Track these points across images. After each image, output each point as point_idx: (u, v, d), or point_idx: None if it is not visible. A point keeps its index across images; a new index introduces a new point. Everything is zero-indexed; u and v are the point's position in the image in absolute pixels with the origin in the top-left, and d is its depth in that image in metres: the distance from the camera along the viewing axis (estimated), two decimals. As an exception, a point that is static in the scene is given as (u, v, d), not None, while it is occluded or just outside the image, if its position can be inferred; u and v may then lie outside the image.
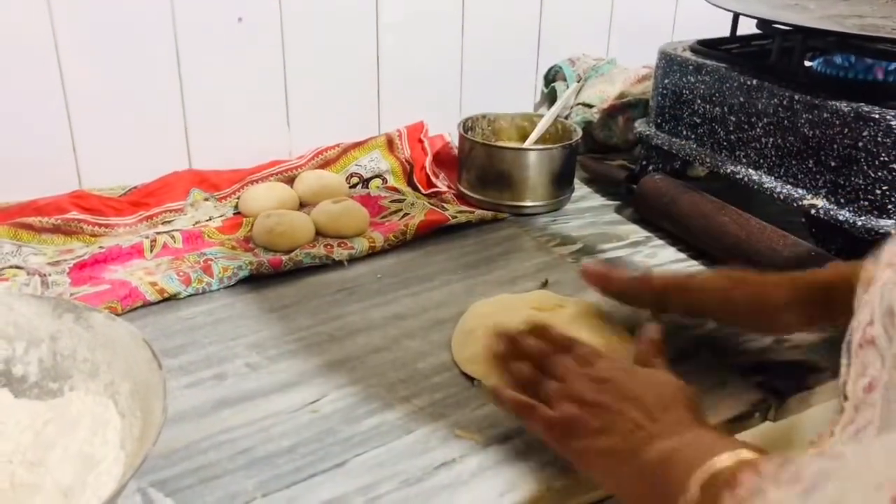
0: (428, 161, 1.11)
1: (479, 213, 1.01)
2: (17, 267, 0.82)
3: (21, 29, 0.87)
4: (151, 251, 0.87)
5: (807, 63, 0.96)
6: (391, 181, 1.10)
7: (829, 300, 0.64)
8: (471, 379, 0.69)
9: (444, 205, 1.03)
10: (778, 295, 0.66)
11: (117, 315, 0.74)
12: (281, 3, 1.00)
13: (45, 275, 0.81)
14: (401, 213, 1.00)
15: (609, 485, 0.55)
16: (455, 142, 1.11)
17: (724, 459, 0.46)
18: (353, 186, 1.08)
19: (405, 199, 1.03)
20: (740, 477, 0.41)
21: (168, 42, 0.95)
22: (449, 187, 1.08)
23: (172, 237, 0.89)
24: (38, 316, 0.60)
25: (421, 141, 1.13)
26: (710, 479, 0.45)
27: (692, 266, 0.90)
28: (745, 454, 0.46)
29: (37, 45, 0.88)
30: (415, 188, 1.08)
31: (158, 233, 0.90)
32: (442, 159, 1.13)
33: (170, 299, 0.79)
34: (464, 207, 1.03)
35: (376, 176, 1.09)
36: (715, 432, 0.52)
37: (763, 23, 0.95)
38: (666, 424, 0.53)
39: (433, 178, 1.09)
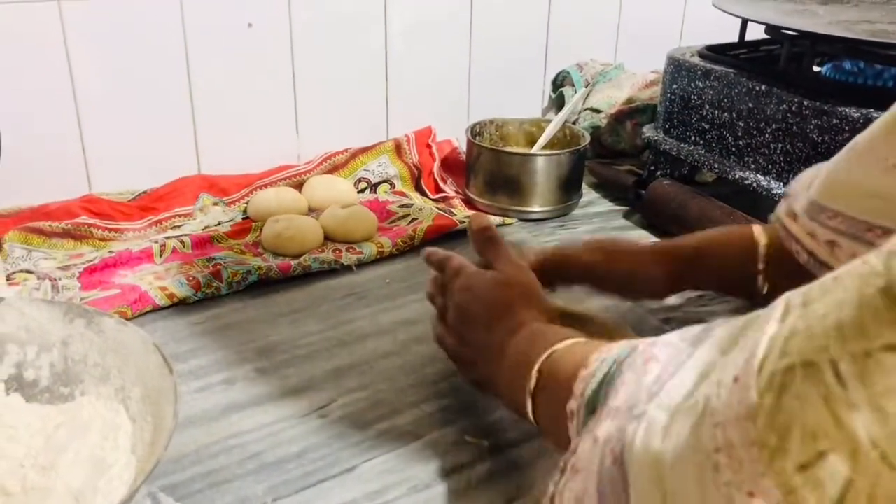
0: (436, 166, 1.11)
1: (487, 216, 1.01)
2: (28, 271, 0.83)
3: (33, 35, 0.87)
4: (161, 256, 0.87)
5: (816, 68, 0.96)
6: (399, 186, 1.10)
7: (694, 266, 0.69)
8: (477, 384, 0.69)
9: (452, 210, 1.03)
10: (646, 264, 0.70)
11: (127, 319, 0.74)
12: (290, 8, 1.01)
13: (55, 279, 0.81)
14: (409, 218, 1.00)
15: (506, 406, 0.58)
16: (463, 147, 1.11)
17: (558, 347, 0.49)
18: (362, 191, 1.08)
19: (413, 204, 1.03)
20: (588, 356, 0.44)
21: (178, 47, 0.96)
22: (457, 192, 1.08)
23: (182, 242, 0.90)
24: (49, 321, 0.61)
25: (429, 146, 1.14)
26: (542, 365, 0.49)
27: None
28: (580, 339, 0.50)
29: (48, 51, 0.89)
30: (423, 193, 1.09)
31: (168, 237, 0.91)
32: (450, 164, 1.14)
33: (179, 304, 0.80)
34: (472, 212, 1.03)
35: (384, 181, 1.10)
36: (544, 324, 0.55)
37: (772, 28, 0.94)
38: (503, 334, 0.56)
39: (441, 183, 1.09)
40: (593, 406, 0.40)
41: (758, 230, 0.67)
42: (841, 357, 0.25)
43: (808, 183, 0.55)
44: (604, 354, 0.43)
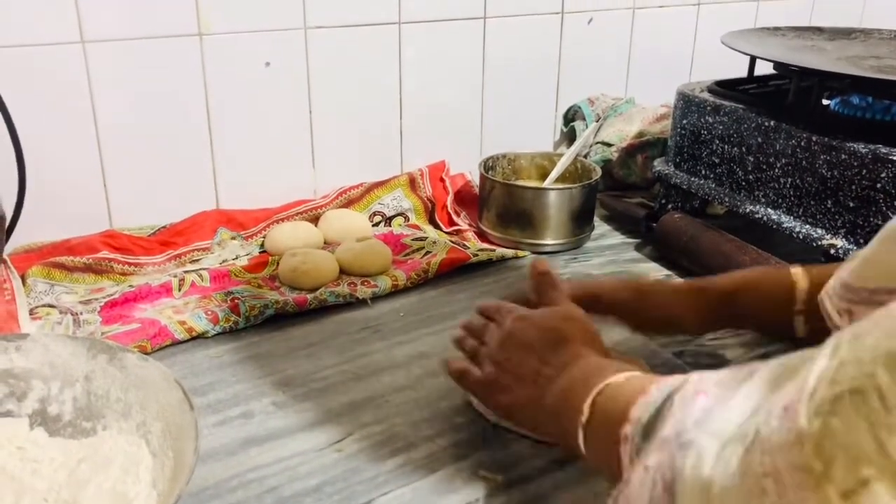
0: (449, 200, 1.13)
1: (499, 250, 1.02)
2: (50, 305, 0.84)
3: (56, 72, 0.90)
4: (180, 290, 0.89)
5: (824, 101, 0.97)
6: (413, 219, 1.11)
7: (730, 307, 0.70)
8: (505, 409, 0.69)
9: (466, 243, 1.04)
10: (682, 306, 0.72)
11: (147, 353, 0.76)
12: (307, 47, 1.03)
13: (77, 313, 0.83)
14: (423, 251, 1.01)
15: (538, 433, 0.61)
16: (476, 181, 1.13)
17: (615, 378, 0.50)
18: (376, 225, 1.10)
19: (427, 238, 1.04)
20: (648, 387, 0.45)
21: (197, 86, 0.98)
22: (470, 225, 1.10)
23: (200, 276, 0.91)
24: (73, 356, 0.62)
25: (442, 180, 1.15)
26: (597, 397, 0.49)
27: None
28: (636, 372, 0.51)
29: (71, 89, 0.91)
30: (437, 226, 1.10)
31: (186, 271, 0.93)
32: (463, 198, 1.15)
33: (198, 338, 0.81)
34: (485, 245, 1.04)
35: (399, 214, 1.11)
36: (603, 358, 0.56)
37: (780, 65, 0.96)
38: (557, 364, 0.57)
39: (454, 217, 1.11)
40: (648, 432, 0.42)
41: (797, 272, 0.68)
42: (887, 383, 0.25)
43: (847, 265, 0.55)
44: (662, 384, 0.44)
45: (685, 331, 0.75)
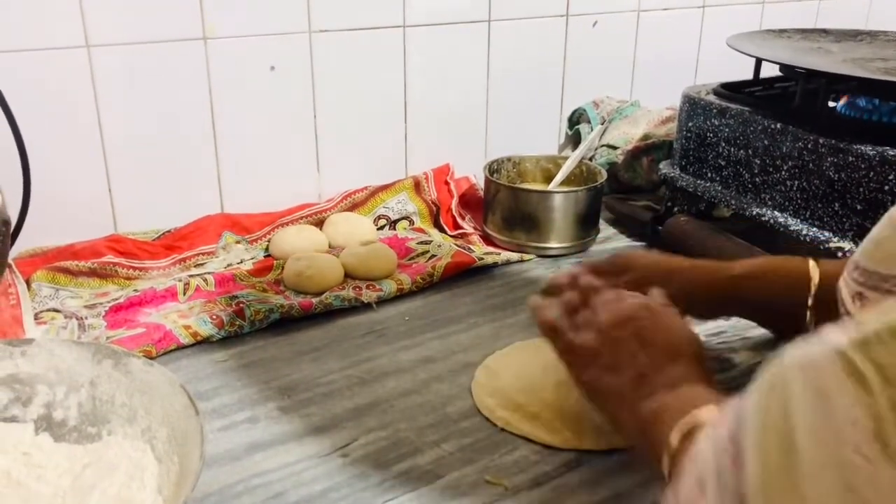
0: (454, 203, 1.12)
1: (504, 254, 1.02)
2: (55, 310, 0.84)
3: (61, 76, 0.90)
4: (185, 294, 0.89)
5: (831, 103, 0.97)
6: (418, 223, 1.11)
7: (740, 292, 0.70)
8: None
9: (471, 246, 1.04)
10: (694, 282, 0.71)
11: (152, 358, 0.76)
12: (312, 51, 1.03)
13: (82, 318, 0.83)
14: (428, 255, 1.01)
15: (608, 419, 0.59)
16: (481, 184, 1.13)
17: (706, 411, 0.48)
18: (381, 228, 1.09)
19: (432, 241, 1.04)
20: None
21: (202, 90, 0.98)
22: (475, 229, 1.10)
23: (205, 280, 0.91)
24: (78, 361, 0.62)
25: (447, 183, 1.15)
26: (690, 431, 0.47)
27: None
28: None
29: (76, 93, 0.91)
30: (441, 230, 1.10)
31: (191, 276, 0.92)
32: (468, 201, 1.15)
33: (203, 342, 0.81)
34: (490, 249, 1.04)
35: (403, 218, 1.11)
36: (710, 387, 0.53)
37: (786, 67, 0.96)
38: (669, 377, 0.54)
39: (459, 220, 1.10)
40: None
41: (814, 265, 0.67)
42: None
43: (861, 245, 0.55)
44: None
45: (692, 312, 0.71)
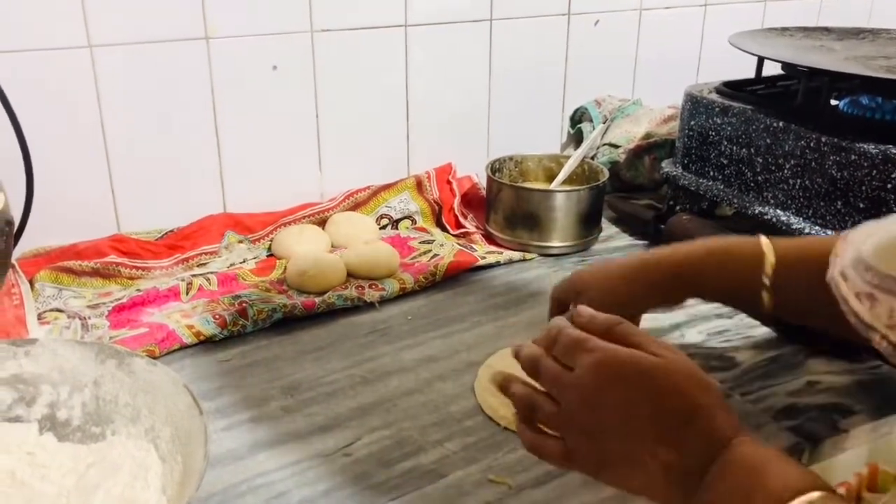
0: (456, 202, 1.12)
1: (507, 253, 1.02)
2: (58, 310, 0.84)
3: (64, 76, 0.90)
4: (188, 294, 0.89)
5: (833, 102, 0.97)
6: (420, 222, 1.11)
7: (687, 279, 0.69)
8: (499, 424, 0.69)
9: (473, 245, 1.04)
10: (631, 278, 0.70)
11: (155, 358, 0.76)
12: (314, 51, 1.03)
13: (85, 318, 0.83)
14: (430, 254, 1.01)
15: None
16: (483, 183, 1.13)
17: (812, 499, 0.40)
18: (384, 228, 1.09)
19: (434, 240, 1.04)
20: None
21: (204, 89, 0.98)
22: (477, 228, 1.10)
23: (208, 279, 0.91)
24: (81, 361, 0.62)
25: (449, 182, 1.15)
26: None
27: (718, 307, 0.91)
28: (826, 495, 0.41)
29: (78, 93, 0.91)
30: (444, 229, 1.10)
31: (194, 275, 0.93)
32: (470, 200, 1.15)
33: (206, 342, 0.81)
34: (492, 248, 1.04)
35: (406, 217, 1.11)
36: (761, 446, 0.44)
37: (788, 66, 0.95)
38: (697, 449, 0.44)
39: (461, 219, 1.10)
40: None
41: (766, 243, 0.66)
42: None
43: (864, 240, 0.52)
44: None
45: (655, 305, 0.72)
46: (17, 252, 0.89)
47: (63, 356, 0.62)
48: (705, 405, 0.46)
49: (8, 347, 0.62)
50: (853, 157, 0.83)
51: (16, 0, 0.85)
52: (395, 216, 1.11)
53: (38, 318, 0.82)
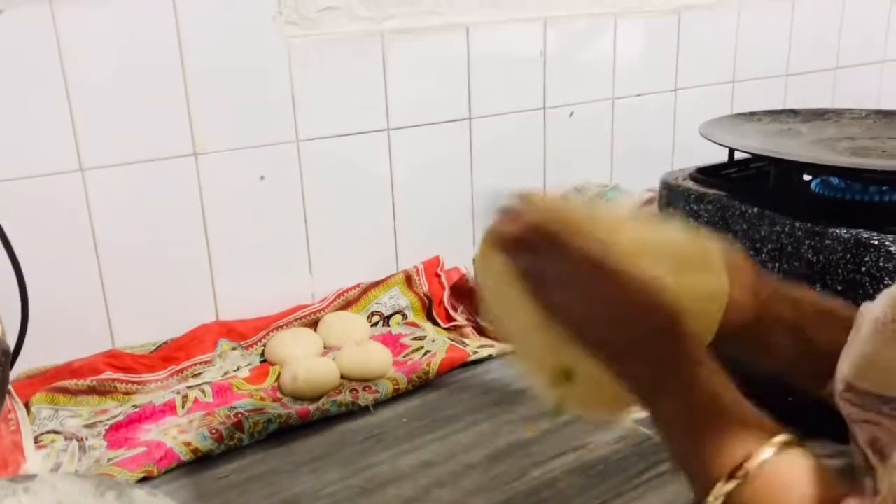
0: (446, 295, 1.14)
1: (499, 346, 1.03)
2: (55, 431, 0.85)
3: (56, 200, 0.92)
4: (183, 407, 0.90)
5: (806, 177, 0.99)
6: (411, 317, 1.13)
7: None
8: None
9: (465, 339, 1.05)
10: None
11: (154, 477, 0.76)
12: (300, 159, 1.06)
13: (82, 438, 0.83)
14: (423, 351, 1.02)
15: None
16: (472, 273, 1.14)
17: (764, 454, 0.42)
18: (375, 325, 1.11)
19: (426, 336, 1.05)
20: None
21: (194, 202, 1.01)
22: (468, 320, 1.11)
23: (203, 391, 0.92)
24: (81, 495, 0.62)
25: (438, 275, 1.17)
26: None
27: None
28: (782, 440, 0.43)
29: (71, 215, 0.94)
30: (434, 322, 1.11)
31: (189, 387, 0.93)
32: (460, 291, 1.17)
33: (203, 457, 0.81)
34: (484, 341, 1.05)
35: (397, 312, 1.12)
36: (720, 380, 0.46)
37: (757, 156, 0.99)
38: (648, 377, 0.47)
39: (452, 312, 1.12)
40: None
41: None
42: None
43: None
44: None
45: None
46: (13, 374, 0.90)
47: (63, 491, 0.62)
48: (655, 326, 0.48)
49: (8, 484, 0.62)
50: (827, 241, 0.85)
51: (9, 130, 0.88)
52: (386, 312, 1.12)
53: (35, 442, 0.82)
